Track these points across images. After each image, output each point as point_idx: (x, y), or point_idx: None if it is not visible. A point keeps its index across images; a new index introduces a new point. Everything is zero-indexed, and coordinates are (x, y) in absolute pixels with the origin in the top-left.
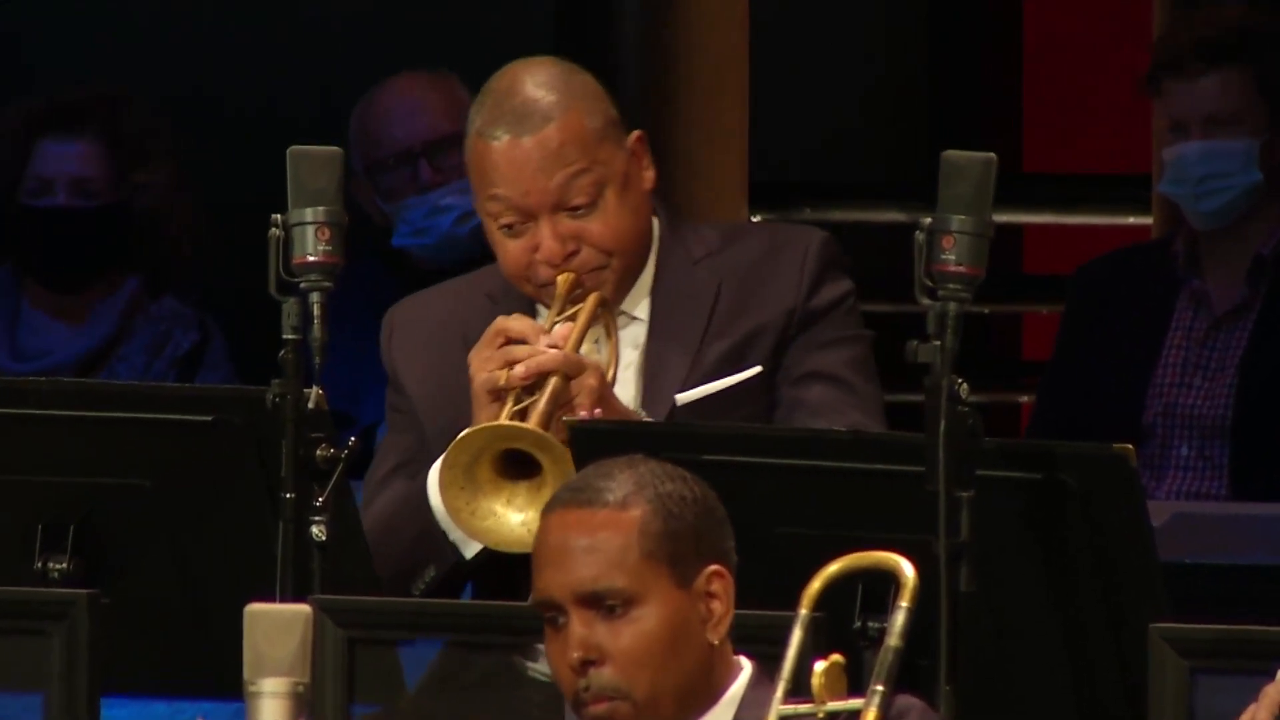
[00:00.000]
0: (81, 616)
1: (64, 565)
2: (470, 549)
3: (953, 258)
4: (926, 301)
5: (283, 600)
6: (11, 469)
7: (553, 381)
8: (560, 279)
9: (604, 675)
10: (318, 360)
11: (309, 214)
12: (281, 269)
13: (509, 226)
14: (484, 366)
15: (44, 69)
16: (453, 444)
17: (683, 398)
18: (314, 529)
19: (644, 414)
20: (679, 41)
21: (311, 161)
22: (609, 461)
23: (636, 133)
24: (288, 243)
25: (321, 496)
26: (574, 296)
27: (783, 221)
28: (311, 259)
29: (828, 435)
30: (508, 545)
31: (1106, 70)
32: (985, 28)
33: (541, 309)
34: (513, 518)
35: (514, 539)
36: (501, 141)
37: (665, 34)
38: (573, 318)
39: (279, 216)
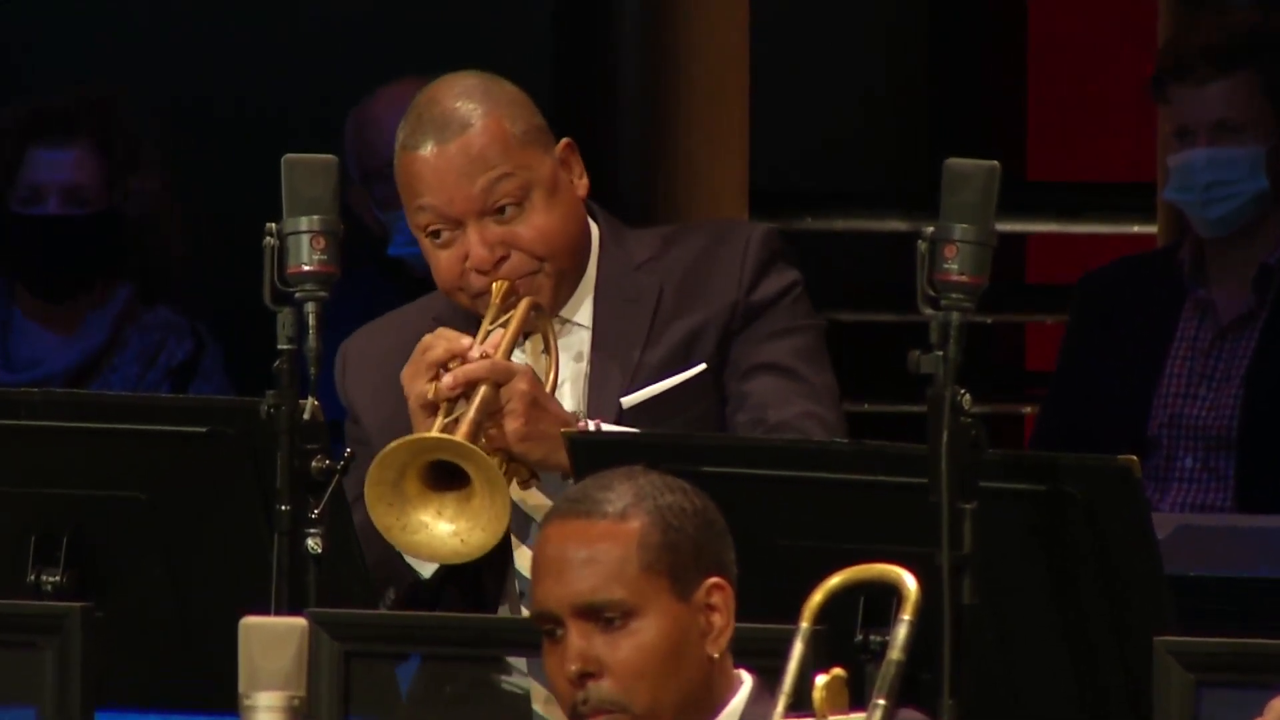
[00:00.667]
0: (75, 629)
1: (57, 578)
2: (427, 569)
3: (955, 267)
4: (929, 311)
5: (278, 613)
6: (4, 480)
7: (481, 390)
8: (494, 286)
9: (603, 688)
10: (313, 371)
11: (304, 223)
12: (276, 278)
13: (437, 235)
14: (414, 382)
15: (37, 73)
16: (375, 461)
17: (628, 400)
18: (309, 541)
19: (584, 418)
20: (679, 46)
21: (307, 170)
22: (608, 472)
23: (565, 140)
24: (283, 252)
25: (317, 508)
26: (508, 304)
27: (782, 232)
28: (307, 268)
29: (829, 447)
30: (442, 557)
31: (1111, 77)
32: (988, 34)
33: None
34: (443, 528)
35: (447, 550)
36: (425, 150)
37: (665, 38)
38: (506, 324)
39: (274, 225)
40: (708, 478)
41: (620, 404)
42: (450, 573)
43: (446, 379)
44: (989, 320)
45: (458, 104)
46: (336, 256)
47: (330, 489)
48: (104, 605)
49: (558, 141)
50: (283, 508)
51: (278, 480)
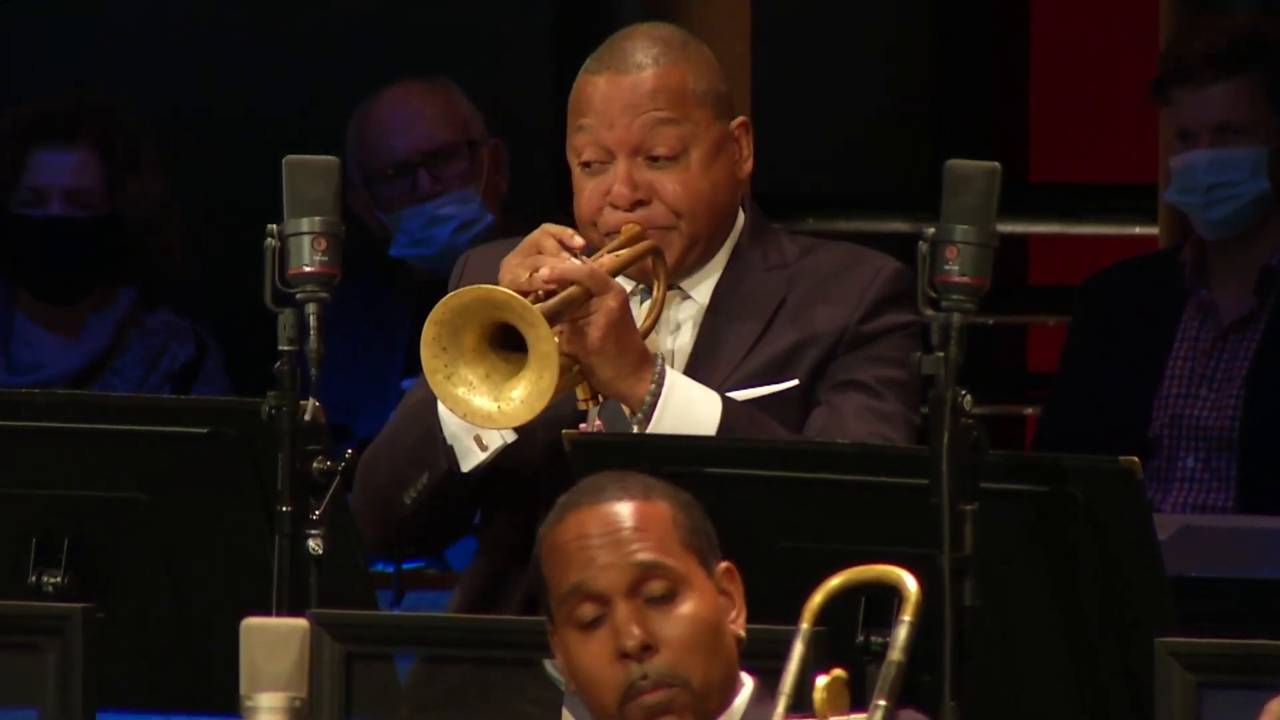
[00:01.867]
0: (76, 631)
1: (59, 579)
2: (468, 461)
3: (957, 268)
4: (930, 312)
5: (279, 614)
6: (6, 482)
7: (571, 289)
8: (626, 227)
9: (661, 662)
10: (314, 372)
11: (305, 224)
12: (278, 280)
13: (588, 165)
14: (511, 268)
15: (38, 76)
16: (442, 301)
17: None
18: (311, 542)
19: (663, 363)
20: None
21: (308, 171)
22: (604, 473)
23: (741, 118)
24: (284, 253)
25: (318, 509)
26: (632, 243)
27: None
28: (308, 270)
29: (830, 448)
30: (474, 417)
31: (1113, 80)
32: (991, 36)
33: None
34: (484, 390)
35: (481, 412)
36: (600, 77)
37: None
38: (620, 254)
39: (275, 227)
40: (710, 479)
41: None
42: (500, 502)
43: (543, 270)
44: (990, 321)
45: (649, 44)
46: (338, 258)
47: (331, 490)
48: (105, 606)
49: (736, 116)
50: (284, 509)
51: (279, 481)
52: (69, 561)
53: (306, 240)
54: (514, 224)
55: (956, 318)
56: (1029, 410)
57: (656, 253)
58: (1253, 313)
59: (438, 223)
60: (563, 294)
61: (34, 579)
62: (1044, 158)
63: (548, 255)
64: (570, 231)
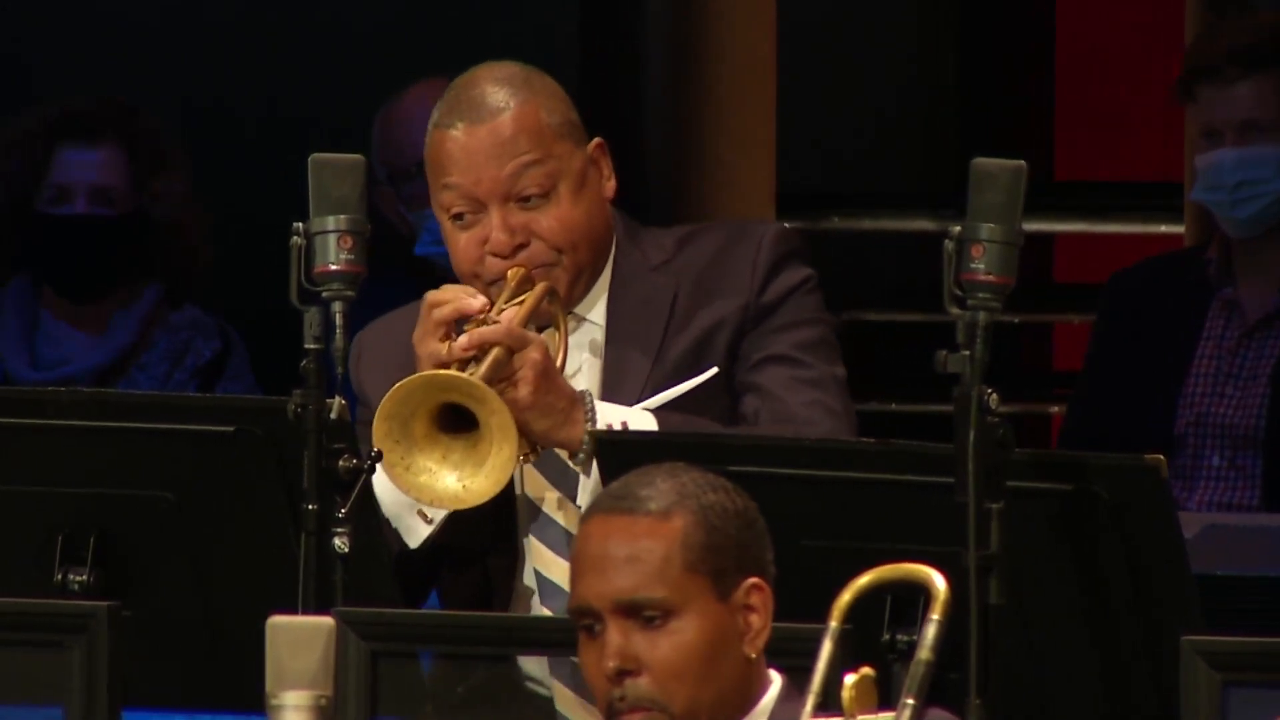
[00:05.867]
0: (101, 629)
1: (84, 577)
2: (415, 537)
3: (982, 266)
4: (956, 311)
5: (305, 612)
6: (31, 480)
7: (494, 351)
8: (510, 273)
9: (640, 686)
10: (340, 370)
11: (331, 222)
12: (303, 278)
13: (459, 217)
14: (425, 341)
15: (60, 76)
16: (387, 395)
17: (642, 405)
18: (336, 540)
19: (591, 399)
20: (706, 51)
21: (334, 169)
22: (651, 468)
23: (597, 139)
24: (309, 251)
25: (344, 508)
26: (523, 289)
27: (809, 231)
28: (333, 268)
29: (856, 446)
30: (442, 501)
31: (1138, 78)
32: (1017, 35)
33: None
34: (447, 473)
35: (448, 495)
36: (457, 130)
37: (692, 41)
38: (522, 303)
39: (301, 225)
40: (734, 477)
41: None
42: (455, 565)
43: (462, 339)
44: (1016, 320)
45: (495, 88)
46: (363, 256)
47: (357, 488)
48: (131, 604)
49: (590, 139)
50: (310, 507)
51: (304, 479)
52: (94, 559)
53: (332, 238)
54: None
55: (982, 316)
56: (1054, 408)
57: (552, 294)
58: (1278, 310)
59: None
60: (489, 359)
61: (59, 577)
62: (1069, 156)
63: (449, 315)
64: (469, 291)
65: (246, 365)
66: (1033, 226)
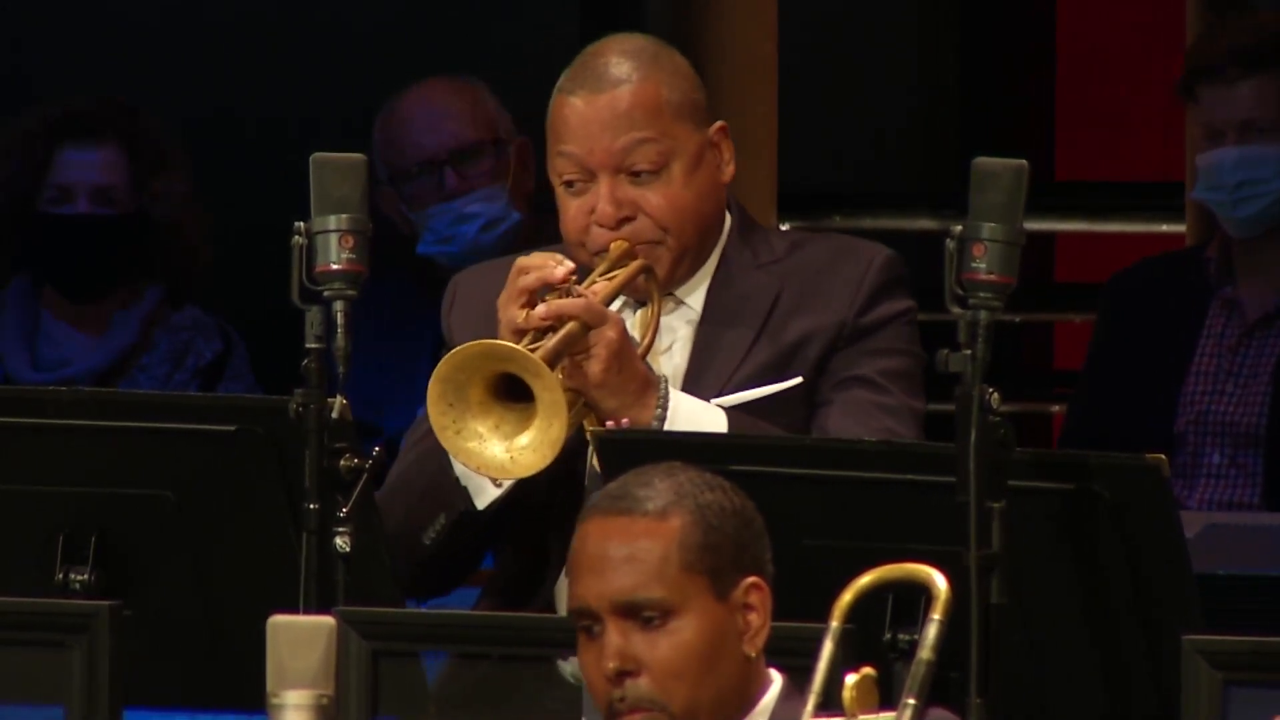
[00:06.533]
0: (103, 628)
1: (85, 576)
2: (483, 498)
3: (984, 266)
4: (957, 310)
5: (306, 612)
6: (32, 479)
7: (569, 325)
8: (614, 245)
9: (640, 686)
10: (341, 369)
11: (332, 222)
12: (305, 277)
13: (570, 184)
14: (508, 307)
15: (60, 76)
16: (445, 358)
17: (720, 402)
18: (337, 540)
19: (666, 385)
20: (707, 51)
21: (335, 169)
22: (649, 468)
23: (720, 123)
24: (311, 251)
25: (345, 507)
26: (622, 263)
27: (817, 230)
28: (335, 267)
29: (857, 446)
30: (488, 468)
31: (1139, 78)
32: (1017, 35)
33: None
34: (496, 442)
35: (494, 464)
36: (577, 97)
37: (693, 43)
38: (613, 279)
39: (302, 224)
40: (735, 476)
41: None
42: (515, 530)
43: (540, 309)
44: (1017, 319)
45: (620, 60)
46: (365, 255)
47: (359, 488)
48: (132, 604)
49: (714, 122)
50: (311, 506)
51: (306, 479)
52: (95, 559)
53: (333, 238)
54: (541, 222)
55: (983, 315)
56: (1055, 408)
57: (648, 271)
58: (1278, 309)
59: (464, 220)
60: (562, 332)
61: (60, 576)
62: (1070, 156)
63: (532, 284)
64: (556, 259)
65: (247, 365)
66: (1033, 226)
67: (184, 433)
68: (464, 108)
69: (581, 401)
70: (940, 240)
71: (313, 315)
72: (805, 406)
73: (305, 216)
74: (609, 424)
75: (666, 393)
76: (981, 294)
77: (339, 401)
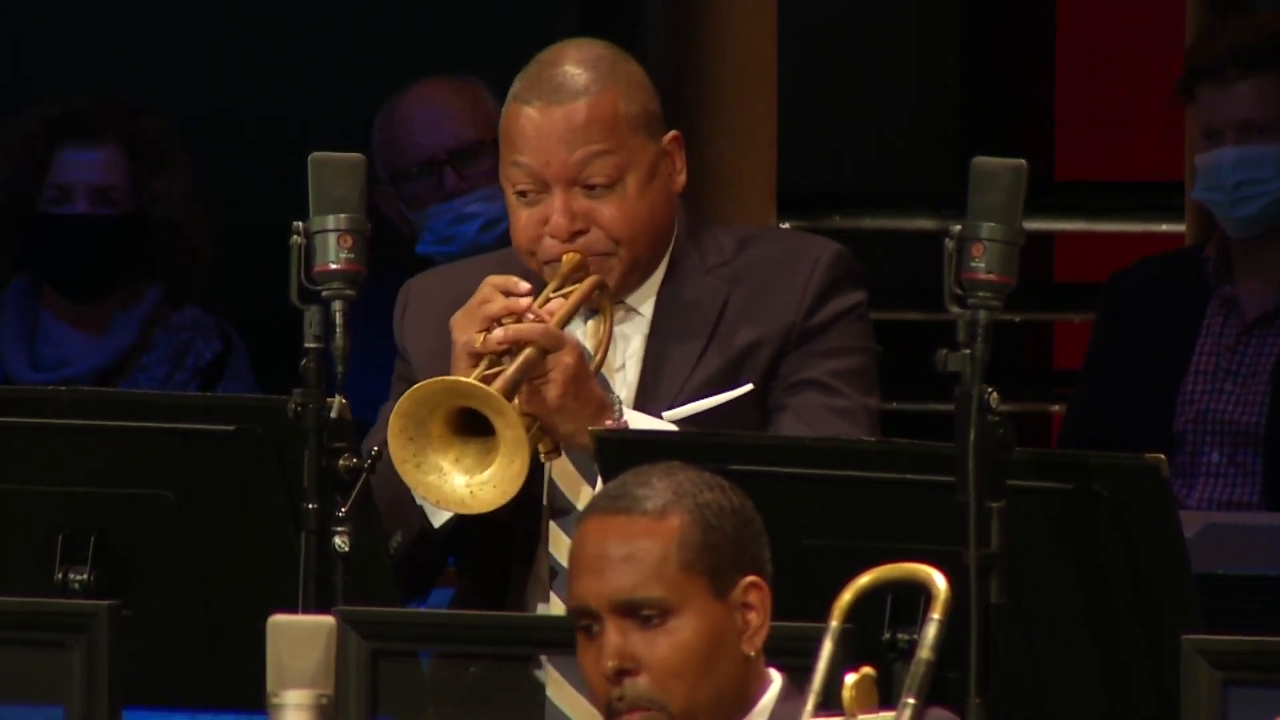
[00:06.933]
0: (102, 628)
1: (84, 576)
2: (438, 517)
3: (983, 265)
4: (956, 310)
5: (305, 611)
6: (32, 479)
7: (527, 351)
8: (566, 257)
9: (639, 685)
10: (340, 369)
11: (331, 222)
12: (303, 277)
13: (523, 194)
14: (464, 329)
15: (60, 76)
16: (406, 394)
17: (671, 414)
18: (337, 539)
19: (620, 406)
20: (707, 50)
21: (334, 168)
22: (647, 468)
23: (673, 133)
24: (309, 250)
25: (344, 507)
26: (575, 277)
27: (810, 230)
28: (334, 267)
29: (857, 445)
30: (448, 504)
31: (1138, 78)
32: (1017, 35)
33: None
34: (456, 476)
35: (455, 499)
36: (532, 108)
37: (693, 42)
38: (568, 296)
39: (301, 224)
40: (735, 476)
41: (662, 416)
42: (475, 549)
43: (497, 333)
44: (1016, 319)
45: (577, 70)
46: (363, 255)
47: (358, 487)
48: (131, 604)
49: (668, 131)
50: (310, 506)
51: (305, 479)
52: (95, 559)
53: (332, 238)
54: None
55: (983, 315)
56: (1054, 407)
57: (602, 287)
58: (1277, 308)
59: (464, 220)
60: (520, 360)
61: (60, 576)
62: (1069, 156)
63: (497, 312)
64: (514, 280)
65: (247, 365)
66: (1033, 226)
67: (184, 433)
68: (464, 108)
69: (537, 425)
70: (939, 240)
71: (311, 315)
72: (758, 413)
73: (304, 216)
74: (560, 449)
75: (621, 414)
76: (981, 294)
77: (338, 401)
